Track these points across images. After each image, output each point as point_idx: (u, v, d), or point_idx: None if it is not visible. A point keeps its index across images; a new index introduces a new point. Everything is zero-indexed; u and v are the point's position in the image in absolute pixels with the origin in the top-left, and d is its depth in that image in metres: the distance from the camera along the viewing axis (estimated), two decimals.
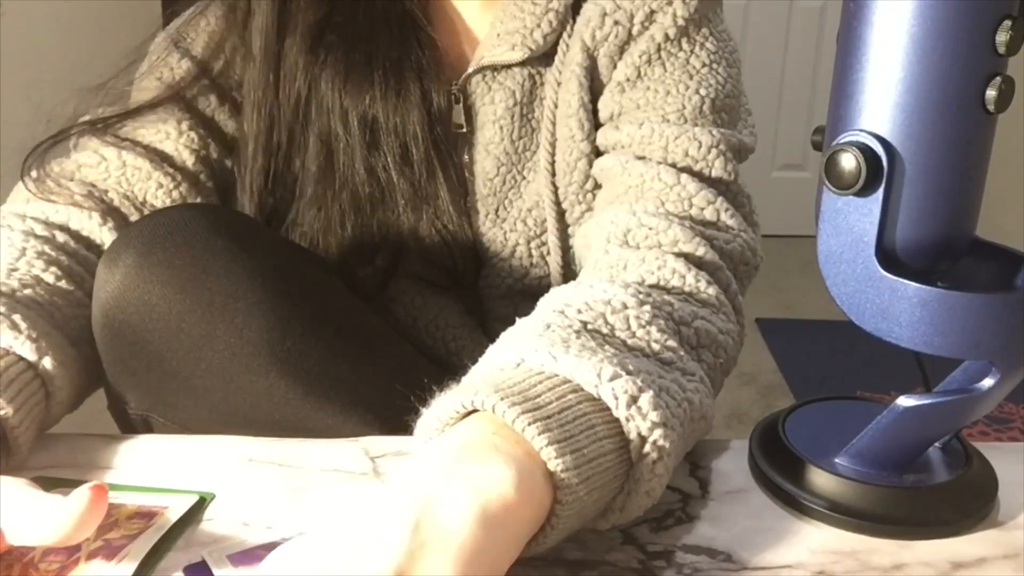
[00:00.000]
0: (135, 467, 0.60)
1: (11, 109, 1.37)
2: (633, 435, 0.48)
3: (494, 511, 0.42)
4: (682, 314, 0.59)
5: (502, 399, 0.46)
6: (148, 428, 0.68)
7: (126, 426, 0.69)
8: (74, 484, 0.56)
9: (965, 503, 0.55)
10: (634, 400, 0.48)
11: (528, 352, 0.50)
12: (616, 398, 0.48)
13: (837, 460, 0.57)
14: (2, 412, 0.56)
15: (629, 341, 0.55)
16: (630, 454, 0.49)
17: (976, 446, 0.60)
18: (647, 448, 0.48)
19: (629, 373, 0.49)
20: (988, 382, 0.53)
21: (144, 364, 0.64)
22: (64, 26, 1.61)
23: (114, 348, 0.64)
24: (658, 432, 0.48)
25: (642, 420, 0.48)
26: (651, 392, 0.49)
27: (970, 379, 0.54)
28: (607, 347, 0.52)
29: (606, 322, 0.55)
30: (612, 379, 0.48)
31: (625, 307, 0.56)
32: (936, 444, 0.59)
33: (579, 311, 0.55)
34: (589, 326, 0.54)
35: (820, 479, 0.56)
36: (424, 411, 0.50)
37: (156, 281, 0.62)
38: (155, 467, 0.60)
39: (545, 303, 0.59)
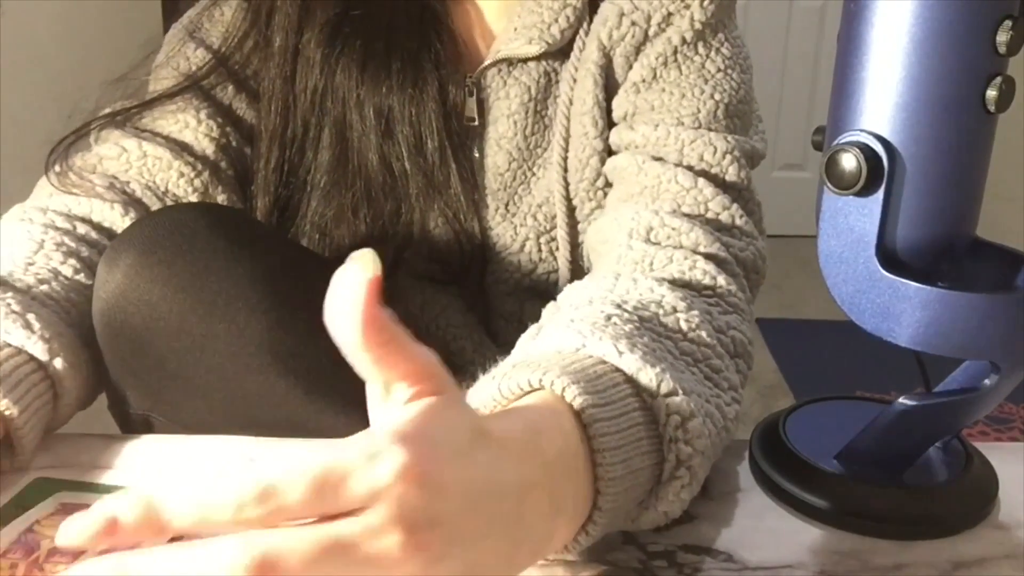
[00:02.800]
0: (135, 467, 0.60)
1: (11, 108, 1.37)
2: (671, 457, 0.48)
3: (550, 529, 0.43)
4: (719, 323, 0.59)
5: (581, 395, 0.45)
6: (149, 428, 0.68)
7: (127, 426, 0.69)
8: (75, 484, 0.57)
9: (965, 503, 0.55)
10: (683, 423, 0.48)
11: (592, 340, 0.50)
12: (668, 416, 0.48)
13: (837, 460, 0.57)
14: (8, 412, 0.56)
15: (680, 344, 0.54)
16: (660, 471, 0.49)
17: (976, 446, 0.60)
18: (680, 472, 0.48)
19: (685, 393, 0.49)
20: (988, 382, 0.53)
21: (144, 364, 0.64)
22: (64, 26, 1.61)
23: (114, 348, 0.64)
24: (696, 460, 0.48)
25: (685, 445, 0.48)
26: (699, 419, 0.49)
27: (970, 379, 0.54)
28: (668, 355, 0.52)
29: (660, 322, 0.55)
30: (668, 395, 0.48)
31: (675, 310, 0.56)
32: (936, 444, 0.59)
33: (635, 307, 0.55)
34: (646, 324, 0.54)
35: (820, 479, 0.56)
36: (480, 381, 0.49)
37: (157, 281, 0.62)
38: (156, 467, 0.60)
39: (584, 295, 0.58)
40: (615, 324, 0.52)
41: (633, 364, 0.48)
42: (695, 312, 0.57)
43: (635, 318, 0.54)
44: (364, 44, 0.77)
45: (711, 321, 0.58)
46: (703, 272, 0.63)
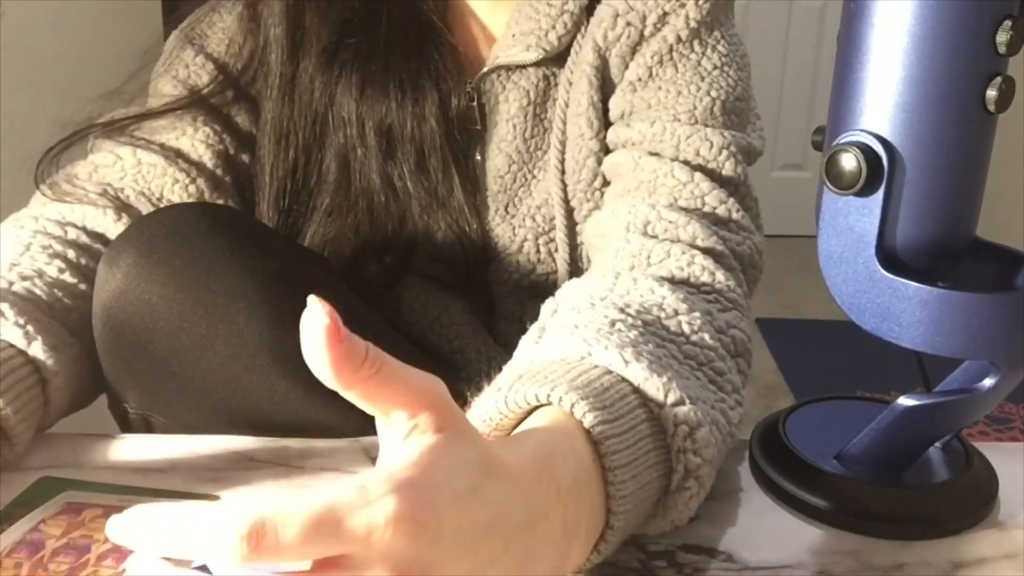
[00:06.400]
0: (135, 467, 0.60)
1: (12, 109, 1.37)
2: (680, 468, 0.48)
3: (565, 554, 0.42)
4: (720, 323, 0.59)
5: (589, 410, 0.45)
6: (148, 428, 0.68)
7: (126, 426, 0.69)
8: (82, 484, 0.57)
9: (965, 503, 0.55)
10: (691, 433, 0.48)
11: (597, 348, 0.49)
12: (676, 426, 0.48)
13: (837, 460, 0.57)
14: None
15: (684, 347, 0.54)
16: (668, 481, 0.49)
17: (976, 446, 0.60)
18: (689, 482, 0.48)
19: (691, 401, 0.49)
20: (988, 382, 0.53)
21: (144, 364, 0.64)
22: (64, 26, 1.61)
23: (115, 348, 0.64)
24: (704, 470, 0.48)
25: (693, 455, 0.48)
26: (706, 428, 0.48)
27: (970, 379, 0.54)
28: (672, 360, 0.52)
29: (662, 325, 0.55)
30: (676, 405, 0.48)
31: (677, 312, 0.56)
32: (936, 444, 0.59)
33: (637, 312, 0.55)
34: (650, 328, 0.54)
35: (820, 479, 0.56)
36: (486, 392, 0.49)
37: (157, 281, 0.62)
38: (155, 467, 0.60)
39: (584, 296, 0.58)
40: (620, 331, 0.52)
41: (640, 374, 0.48)
42: (696, 314, 0.57)
43: (639, 323, 0.53)
44: (362, 67, 0.77)
45: (712, 321, 0.58)
46: (701, 268, 0.63)
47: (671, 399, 0.48)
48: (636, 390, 0.48)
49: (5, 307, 0.61)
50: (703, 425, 0.48)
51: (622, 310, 0.55)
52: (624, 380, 0.48)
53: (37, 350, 0.60)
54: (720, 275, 0.63)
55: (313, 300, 0.36)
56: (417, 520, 0.35)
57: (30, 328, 0.61)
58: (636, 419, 0.47)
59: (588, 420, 0.45)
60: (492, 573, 0.38)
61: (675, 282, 0.61)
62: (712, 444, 0.49)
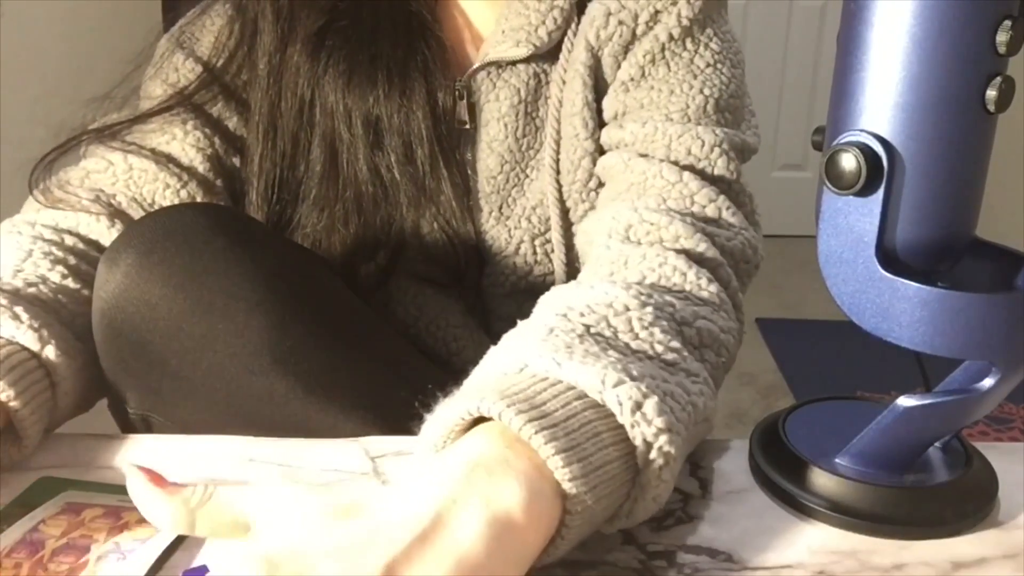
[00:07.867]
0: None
1: (12, 109, 1.37)
2: (639, 441, 0.48)
3: (501, 532, 0.42)
4: (684, 315, 0.59)
5: (508, 406, 0.45)
6: (148, 428, 0.68)
7: (126, 426, 0.69)
8: (82, 484, 0.57)
9: (965, 503, 0.55)
10: (639, 406, 0.48)
11: (532, 357, 0.50)
12: (620, 404, 0.47)
13: (837, 460, 0.57)
14: (2, 395, 0.57)
15: (632, 344, 0.54)
16: (636, 460, 0.48)
17: (976, 446, 0.60)
18: (653, 454, 0.48)
19: (633, 379, 0.48)
20: (988, 382, 0.53)
21: (144, 364, 0.64)
22: (64, 26, 1.61)
23: (114, 348, 0.64)
24: (663, 438, 0.48)
25: (647, 426, 0.48)
26: (656, 398, 0.48)
27: (970, 379, 0.54)
28: (611, 352, 0.52)
29: (609, 325, 0.55)
30: (616, 385, 0.48)
31: (627, 309, 0.56)
32: (936, 444, 0.59)
33: (582, 314, 0.55)
34: (592, 330, 0.54)
35: (820, 479, 0.56)
36: (428, 415, 0.49)
37: (156, 281, 0.62)
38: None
39: (545, 304, 0.59)
40: (555, 336, 0.52)
41: (572, 370, 0.48)
42: (648, 309, 0.56)
43: (578, 326, 0.54)
44: (349, 55, 0.77)
45: (672, 315, 0.58)
46: (672, 268, 0.62)
47: (610, 382, 0.48)
48: (572, 387, 0.48)
49: (20, 310, 0.61)
50: (650, 396, 0.48)
51: (564, 315, 0.55)
52: (559, 381, 0.48)
53: (50, 354, 0.61)
54: (692, 274, 0.63)
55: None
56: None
57: (44, 332, 0.61)
58: (574, 409, 0.47)
59: (516, 423, 0.45)
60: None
61: (644, 284, 0.61)
62: (667, 413, 0.48)
